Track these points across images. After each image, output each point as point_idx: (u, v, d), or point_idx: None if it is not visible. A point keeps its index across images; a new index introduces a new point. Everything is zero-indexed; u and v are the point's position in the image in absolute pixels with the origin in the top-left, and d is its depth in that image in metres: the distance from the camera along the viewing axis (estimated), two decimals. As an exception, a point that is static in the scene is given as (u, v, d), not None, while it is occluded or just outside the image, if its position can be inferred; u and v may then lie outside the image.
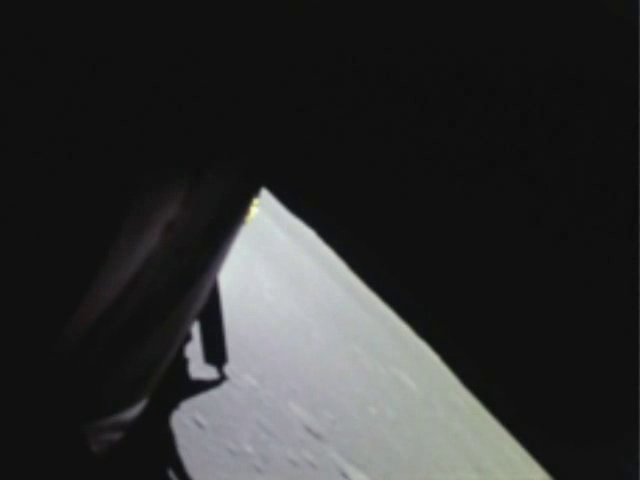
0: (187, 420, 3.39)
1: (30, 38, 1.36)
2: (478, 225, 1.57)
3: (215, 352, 2.52)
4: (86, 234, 1.48)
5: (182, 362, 2.42)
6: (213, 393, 3.95)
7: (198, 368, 2.58)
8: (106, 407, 1.85)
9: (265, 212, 13.46)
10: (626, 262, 1.43)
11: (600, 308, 1.51)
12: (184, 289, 1.86)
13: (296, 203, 1.77)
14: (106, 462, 1.90)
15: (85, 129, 1.42)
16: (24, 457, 1.62)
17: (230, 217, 1.87)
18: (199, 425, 3.48)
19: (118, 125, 1.44)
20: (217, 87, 1.54)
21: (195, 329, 2.46)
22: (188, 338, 2.36)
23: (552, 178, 1.46)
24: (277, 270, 10.62)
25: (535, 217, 1.50)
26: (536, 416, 1.68)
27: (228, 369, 4.64)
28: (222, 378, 2.67)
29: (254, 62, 1.55)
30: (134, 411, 1.97)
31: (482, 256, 1.59)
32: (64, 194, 1.44)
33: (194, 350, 2.48)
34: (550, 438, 1.68)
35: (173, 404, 2.40)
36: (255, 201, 1.97)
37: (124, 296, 1.64)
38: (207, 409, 3.74)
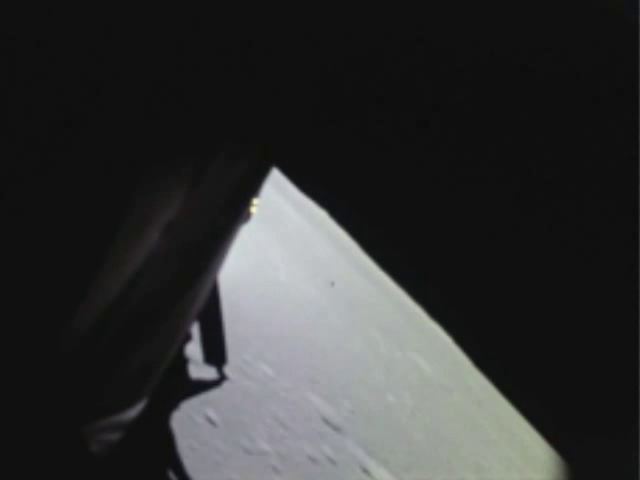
0: (198, 417, 3.15)
1: (30, 32, 1.34)
2: (490, 212, 1.57)
3: (215, 352, 2.52)
4: (86, 234, 1.47)
5: (182, 362, 2.43)
6: (226, 385, 3.71)
7: (199, 368, 2.51)
8: (106, 407, 1.80)
9: (277, 192, 13.30)
10: (628, 260, 1.45)
11: (605, 306, 1.54)
12: (184, 289, 1.82)
13: (308, 183, 1.75)
14: (106, 462, 1.85)
15: (85, 128, 1.41)
16: (24, 457, 1.61)
17: (230, 217, 1.84)
18: (211, 422, 3.24)
19: (118, 124, 1.43)
20: (220, 80, 1.52)
21: (195, 329, 2.41)
22: (188, 338, 2.35)
23: (551, 176, 1.48)
24: (290, 251, 10.47)
25: (541, 215, 1.52)
26: (546, 397, 1.68)
27: (242, 358, 4.44)
28: (222, 378, 2.71)
29: (258, 48, 1.52)
30: (134, 411, 1.93)
31: (495, 242, 1.59)
32: (64, 194, 1.43)
33: (195, 350, 2.40)
34: (560, 420, 1.69)
35: (173, 404, 2.41)
36: (255, 201, 1.96)
37: (124, 296, 1.63)
38: (220, 404, 3.50)
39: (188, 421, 3.00)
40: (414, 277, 1.74)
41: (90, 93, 1.39)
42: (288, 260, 9.67)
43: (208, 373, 2.72)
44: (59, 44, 1.35)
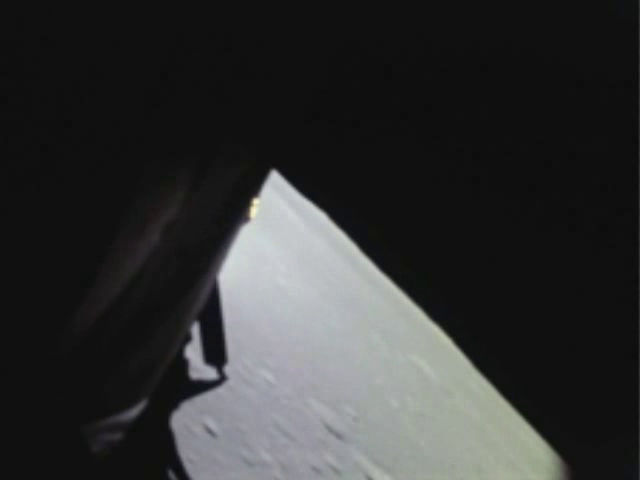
0: (196, 427, 3.04)
1: (28, 30, 1.34)
2: (490, 214, 1.57)
3: (215, 353, 2.53)
4: (86, 234, 1.47)
5: (182, 363, 2.42)
6: (225, 393, 3.61)
7: (199, 369, 2.50)
8: (106, 408, 1.81)
9: (277, 194, 13.27)
10: (628, 260, 1.45)
11: (605, 307, 1.54)
12: (184, 289, 1.82)
13: (306, 185, 1.75)
14: (106, 463, 1.85)
15: (85, 127, 1.40)
16: (24, 457, 1.61)
17: (231, 217, 1.85)
18: (210, 432, 3.13)
19: (118, 124, 1.43)
20: (220, 81, 1.51)
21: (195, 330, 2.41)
22: (188, 339, 2.35)
23: (551, 176, 1.47)
24: (290, 254, 10.42)
25: (542, 216, 1.51)
26: (546, 399, 1.69)
27: (242, 364, 4.34)
28: (222, 379, 2.70)
29: (259, 48, 1.52)
30: (134, 412, 1.93)
31: (494, 244, 1.60)
32: (64, 194, 1.43)
33: (195, 350, 2.38)
34: (560, 421, 1.70)
35: (173, 405, 2.40)
36: (255, 201, 1.97)
37: (124, 296, 1.63)
38: (219, 412, 3.39)
39: (186, 431, 2.89)
40: (413, 279, 1.74)
41: (90, 93, 1.39)
42: (288, 263, 9.61)
43: (208, 374, 2.68)
44: (59, 43, 1.35)
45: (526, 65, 1.41)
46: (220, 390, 3.61)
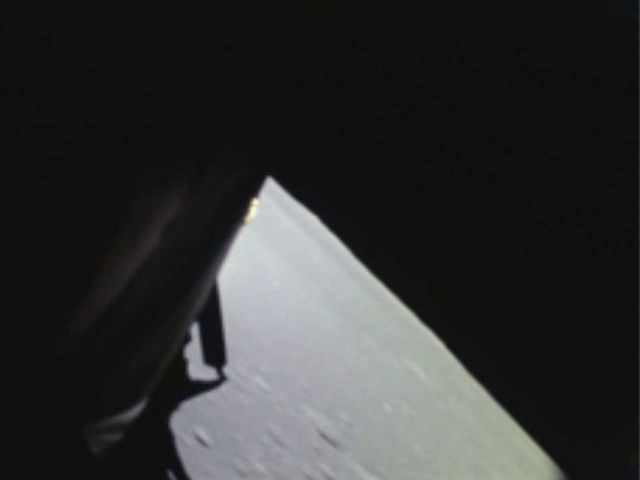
0: (187, 437, 2.96)
1: (29, 29, 1.34)
2: (483, 216, 1.57)
3: (214, 353, 2.51)
4: (86, 234, 1.48)
5: (182, 363, 2.39)
6: (217, 401, 3.53)
7: (198, 369, 2.49)
8: (105, 408, 1.80)
9: (271, 199, 13.27)
10: (628, 262, 1.44)
11: (603, 307, 1.53)
12: (184, 289, 1.84)
13: (298, 188, 1.76)
14: (106, 463, 1.84)
15: (85, 128, 1.41)
16: (24, 457, 1.61)
17: (230, 217, 1.85)
18: (201, 442, 3.05)
19: (118, 124, 1.43)
20: (220, 82, 1.52)
21: (195, 330, 2.39)
22: (187, 339, 2.32)
23: (551, 178, 1.47)
24: (285, 258, 10.40)
25: (537, 216, 1.51)
26: (540, 402, 1.68)
27: (235, 370, 4.27)
28: (222, 379, 2.69)
29: (256, 56, 1.53)
30: (134, 412, 1.92)
31: (487, 245, 1.59)
32: (64, 194, 1.43)
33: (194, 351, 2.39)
34: (555, 425, 1.69)
35: (173, 405, 2.39)
36: (255, 202, 1.97)
37: (124, 297, 1.64)
38: (211, 421, 3.32)
39: (176, 442, 2.82)
40: (406, 282, 1.74)
41: (90, 95, 1.39)
42: (282, 268, 9.59)
43: (208, 374, 2.65)
44: (59, 44, 1.35)
45: (525, 65, 1.41)
46: (212, 397, 3.54)
